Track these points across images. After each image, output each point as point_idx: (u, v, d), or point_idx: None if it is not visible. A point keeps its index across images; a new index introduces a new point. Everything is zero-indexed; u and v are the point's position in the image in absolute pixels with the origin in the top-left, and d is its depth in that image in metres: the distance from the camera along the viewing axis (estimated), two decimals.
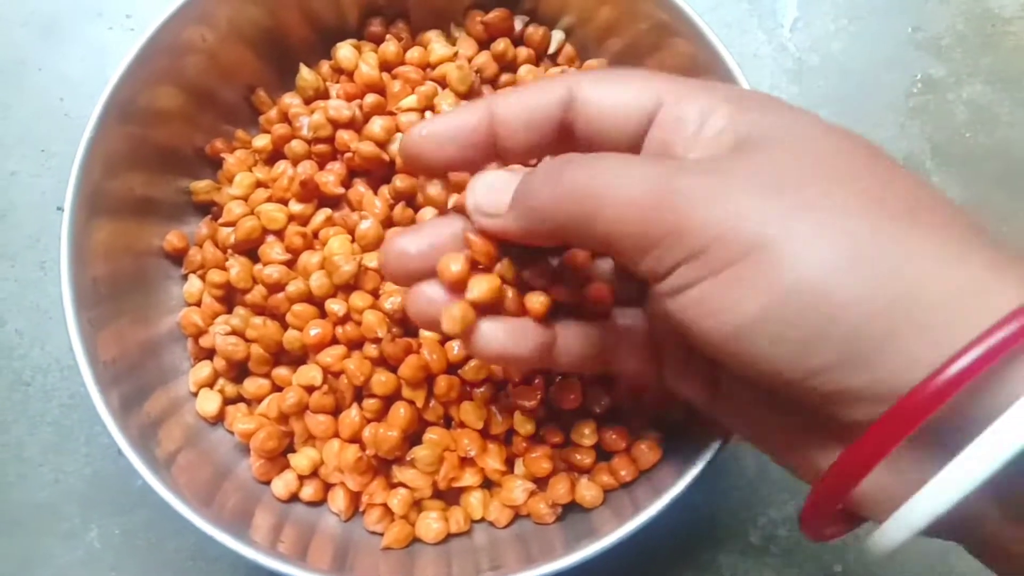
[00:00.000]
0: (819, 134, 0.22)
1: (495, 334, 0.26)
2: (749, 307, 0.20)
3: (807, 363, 0.20)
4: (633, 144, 0.25)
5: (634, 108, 0.25)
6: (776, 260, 0.20)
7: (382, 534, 0.37)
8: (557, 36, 0.43)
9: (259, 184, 0.41)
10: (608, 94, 0.25)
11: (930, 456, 0.20)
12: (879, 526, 0.21)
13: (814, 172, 0.21)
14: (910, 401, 0.19)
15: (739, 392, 0.27)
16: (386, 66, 0.41)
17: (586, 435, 0.36)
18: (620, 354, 0.30)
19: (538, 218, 0.24)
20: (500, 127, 0.26)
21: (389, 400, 0.37)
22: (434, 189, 0.29)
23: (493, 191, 0.26)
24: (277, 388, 0.38)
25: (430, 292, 0.27)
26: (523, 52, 0.43)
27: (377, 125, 0.39)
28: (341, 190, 0.40)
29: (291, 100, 0.41)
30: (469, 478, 0.37)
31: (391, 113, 0.40)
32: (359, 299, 0.37)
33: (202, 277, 0.40)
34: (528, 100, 0.26)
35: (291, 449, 0.38)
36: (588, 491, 0.36)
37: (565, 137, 0.26)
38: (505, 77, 0.42)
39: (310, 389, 0.37)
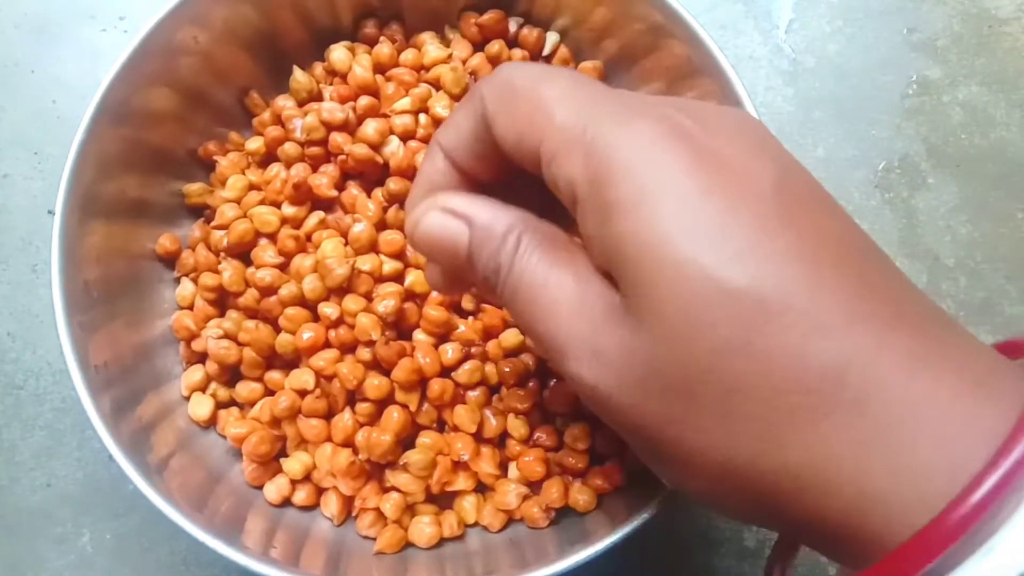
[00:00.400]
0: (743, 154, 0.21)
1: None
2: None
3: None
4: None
5: (522, 147, 0.23)
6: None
7: (375, 539, 0.37)
8: (552, 38, 0.43)
9: (252, 187, 0.40)
10: (540, 86, 0.23)
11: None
12: None
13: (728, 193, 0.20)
14: (934, 532, 0.17)
15: None
16: (380, 68, 0.41)
17: (579, 438, 0.36)
18: None
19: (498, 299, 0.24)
20: (456, 162, 0.26)
21: (382, 404, 0.37)
22: None
23: (440, 236, 0.24)
24: (270, 392, 0.38)
25: None
26: (517, 54, 0.42)
27: (371, 127, 0.39)
28: (334, 193, 0.39)
29: (284, 102, 0.41)
30: (462, 482, 0.37)
31: (385, 115, 0.40)
32: (352, 302, 0.37)
33: (195, 280, 0.40)
34: (455, 133, 0.25)
35: (284, 453, 0.38)
36: (581, 495, 0.36)
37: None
38: None
39: (303, 393, 0.37)
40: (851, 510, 0.18)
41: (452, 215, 0.24)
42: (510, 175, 0.25)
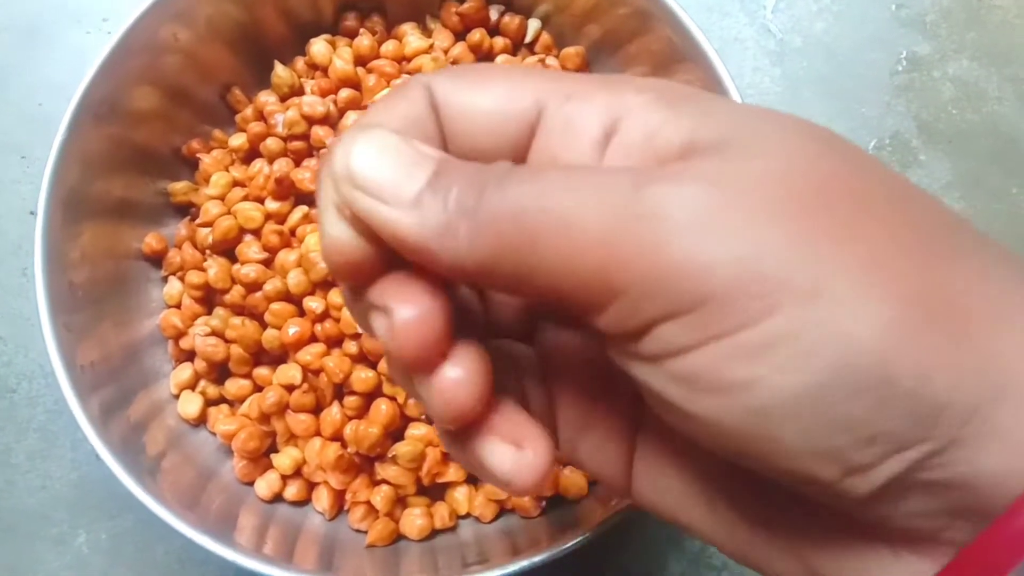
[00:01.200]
0: (809, 136, 0.17)
1: None
2: (779, 386, 0.14)
3: (860, 454, 0.15)
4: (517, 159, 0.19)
5: (505, 116, 0.18)
6: (820, 317, 0.14)
7: (367, 532, 0.37)
8: (533, 25, 0.43)
9: (236, 183, 0.40)
10: (471, 100, 0.18)
11: None
12: None
13: (831, 191, 0.15)
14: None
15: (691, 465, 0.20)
16: (361, 60, 0.41)
17: None
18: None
19: (463, 248, 0.16)
20: None
21: (370, 397, 0.37)
22: None
23: (392, 162, 0.16)
24: (258, 388, 0.38)
25: None
26: (499, 42, 0.42)
27: (352, 120, 0.39)
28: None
29: (267, 98, 0.41)
30: (453, 473, 0.37)
31: (366, 107, 0.40)
32: (337, 296, 0.37)
33: (182, 279, 0.40)
34: (389, 114, 0.18)
35: (274, 449, 0.38)
36: (572, 483, 0.36)
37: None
38: None
39: (290, 388, 0.37)
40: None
41: (410, 144, 0.17)
42: None
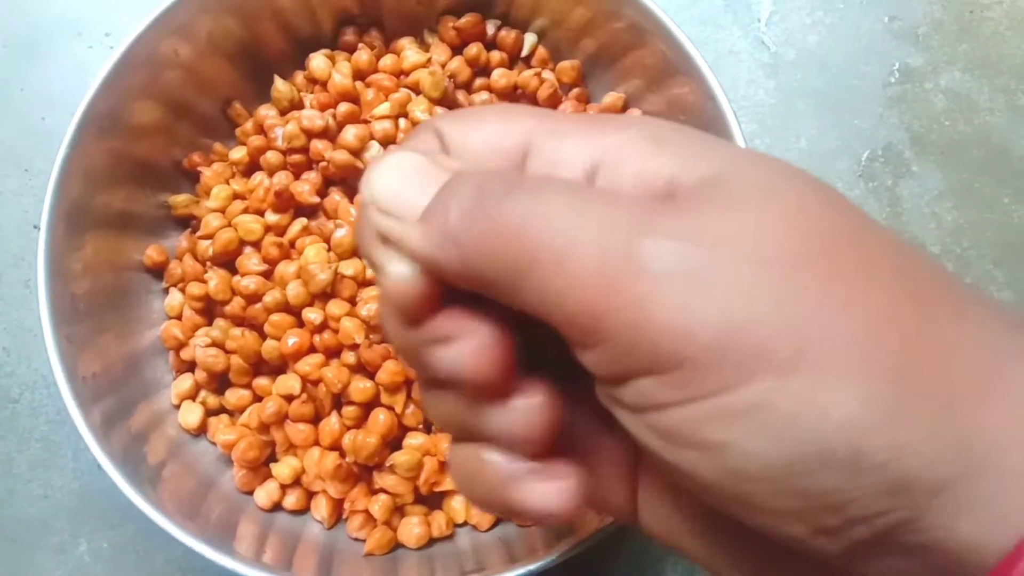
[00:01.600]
0: (805, 188, 0.16)
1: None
2: (754, 449, 0.15)
3: (829, 517, 0.15)
4: None
5: (497, 151, 0.19)
6: (797, 389, 0.14)
7: (365, 540, 0.37)
8: (530, 39, 0.43)
9: (236, 196, 0.41)
10: (469, 139, 0.19)
11: None
12: None
13: (825, 249, 0.15)
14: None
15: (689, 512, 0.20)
16: (360, 75, 0.42)
17: None
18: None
19: (457, 256, 0.16)
20: None
21: (368, 407, 0.37)
22: None
23: (407, 181, 0.17)
24: (258, 398, 0.39)
25: None
26: (496, 56, 0.43)
27: (351, 134, 0.39)
28: (316, 199, 0.40)
29: (267, 112, 0.42)
30: (450, 482, 0.37)
31: (365, 121, 0.40)
32: (336, 307, 0.37)
33: (182, 290, 0.40)
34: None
35: (273, 459, 0.39)
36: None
37: None
38: (479, 82, 0.43)
39: (289, 398, 0.37)
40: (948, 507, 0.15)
41: (433, 161, 0.18)
42: None
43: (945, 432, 0.15)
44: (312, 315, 0.37)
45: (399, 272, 0.17)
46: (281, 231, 0.40)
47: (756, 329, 0.14)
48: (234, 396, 0.39)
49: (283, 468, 0.38)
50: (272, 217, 0.40)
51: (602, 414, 0.19)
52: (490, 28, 0.43)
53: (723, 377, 0.14)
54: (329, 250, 0.39)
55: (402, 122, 0.40)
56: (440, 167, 0.18)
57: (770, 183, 0.16)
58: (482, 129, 0.19)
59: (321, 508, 0.37)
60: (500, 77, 0.42)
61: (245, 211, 0.40)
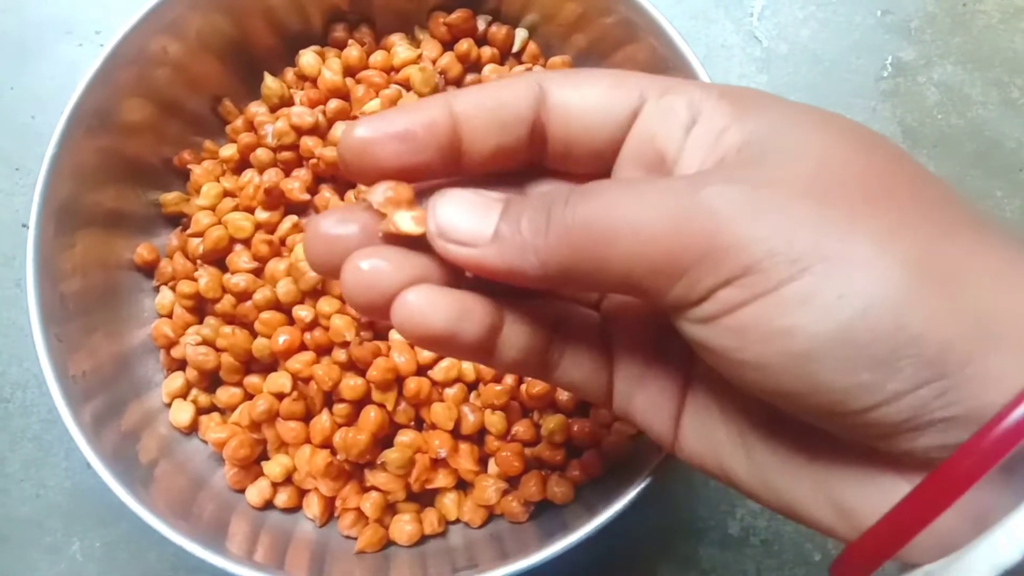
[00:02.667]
0: (840, 138, 0.20)
1: (434, 305, 0.21)
2: (816, 329, 0.17)
3: (882, 389, 0.17)
4: (613, 150, 0.23)
5: (614, 106, 0.22)
6: (842, 275, 0.17)
7: (357, 538, 0.37)
8: (521, 34, 0.43)
9: (226, 193, 0.41)
10: (583, 94, 0.23)
11: (996, 490, 0.18)
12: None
13: (853, 182, 0.19)
14: (997, 426, 0.17)
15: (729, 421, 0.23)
16: (350, 71, 0.42)
17: (556, 432, 0.36)
18: (565, 359, 0.24)
19: (539, 261, 0.20)
20: (464, 127, 0.22)
21: (359, 404, 0.37)
22: (377, 196, 0.21)
23: (468, 214, 0.21)
24: (249, 396, 0.39)
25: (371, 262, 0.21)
26: (487, 52, 0.43)
27: (340, 130, 0.39)
28: (307, 196, 0.40)
29: (257, 109, 0.42)
30: (442, 479, 0.37)
31: (355, 118, 0.40)
32: (326, 304, 0.37)
33: (173, 288, 0.40)
34: (496, 96, 0.22)
35: (264, 457, 0.39)
36: (559, 487, 0.36)
37: (536, 144, 0.23)
38: (470, 77, 0.43)
39: (280, 396, 0.37)
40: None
41: (478, 194, 0.21)
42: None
43: (966, 310, 0.17)
44: (303, 313, 0.37)
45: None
46: (271, 228, 0.40)
47: (805, 235, 0.18)
48: (225, 394, 0.39)
49: (274, 466, 0.37)
50: (262, 215, 0.40)
51: (652, 350, 0.24)
52: (481, 24, 0.43)
53: (784, 273, 0.18)
54: None
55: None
56: (489, 198, 0.21)
57: (816, 135, 0.20)
58: (598, 85, 0.23)
59: (313, 506, 0.37)
60: (491, 73, 0.42)
61: (235, 209, 0.40)
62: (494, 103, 0.22)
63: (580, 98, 0.23)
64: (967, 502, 0.18)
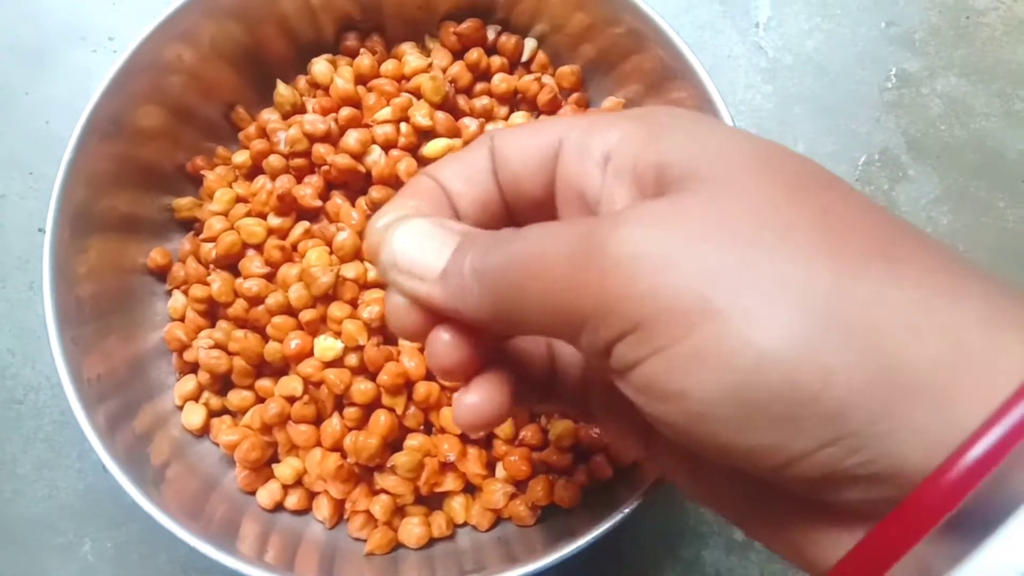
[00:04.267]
0: (755, 160, 0.19)
1: (488, 402, 0.22)
2: (707, 390, 0.17)
3: (787, 449, 0.17)
4: (550, 195, 0.23)
5: (536, 152, 0.23)
6: (732, 332, 0.16)
7: (366, 540, 0.37)
8: (530, 44, 0.44)
9: (239, 199, 0.41)
10: (514, 143, 0.23)
11: (945, 544, 0.17)
12: None
13: (760, 211, 0.18)
14: (937, 484, 0.16)
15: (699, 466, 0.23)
16: (361, 79, 0.42)
17: (564, 437, 0.37)
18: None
19: (474, 304, 0.20)
20: (449, 189, 0.24)
21: (369, 408, 0.37)
22: None
23: (424, 246, 0.21)
24: (261, 399, 0.39)
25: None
26: (496, 61, 0.43)
27: (352, 138, 0.40)
28: (319, 203, 0.40)
29: (269, 116, 0.42)
30: (451, 483, 0.38)
31: (366, 125, 0.41)
32: (338, 309, 0.38)
33: (185, 293, 0.41)
34: (462, 156, 0.24)
35: (275, 459, 0.39)
36: (566, 492, 0.36)
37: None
38: (479, 86, 0.43)
39: (291, 399, 0.37)
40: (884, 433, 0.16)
41: (440, 225, 0.22)
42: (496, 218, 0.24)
43: (871, 361, 0.16)
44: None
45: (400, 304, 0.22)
46: (283, 234, 0.40)
47: (695, 288, 0.17)
48: (237, 397, 0.39)
49: (285, 469, 0.38)
50: (274, 220, 0.40)
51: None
52: (491, 33, 0.43)
53: (675, 330, 0.17)
54: (331, 253, 0.39)
55: (403, 126, 0.41)
56: (449, 229, 0.21)
57: (717, 156, 0.19)
58: (523, 134, 0.23)
59: (323, 508, 0.38)
60: (500, 82, 0.43)
61: (248, 214, 0.40)
62: (460, 163, 0.24)
63: (513, 147, 0.23)
64: (908, 560, 0.17)
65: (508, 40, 0.43)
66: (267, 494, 0.38)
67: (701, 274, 0.17)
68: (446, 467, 0.38)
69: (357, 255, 0.39)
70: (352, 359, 0.37)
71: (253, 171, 0.42)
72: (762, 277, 0.17)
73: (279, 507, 0.39)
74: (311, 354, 0.38)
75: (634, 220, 0.18)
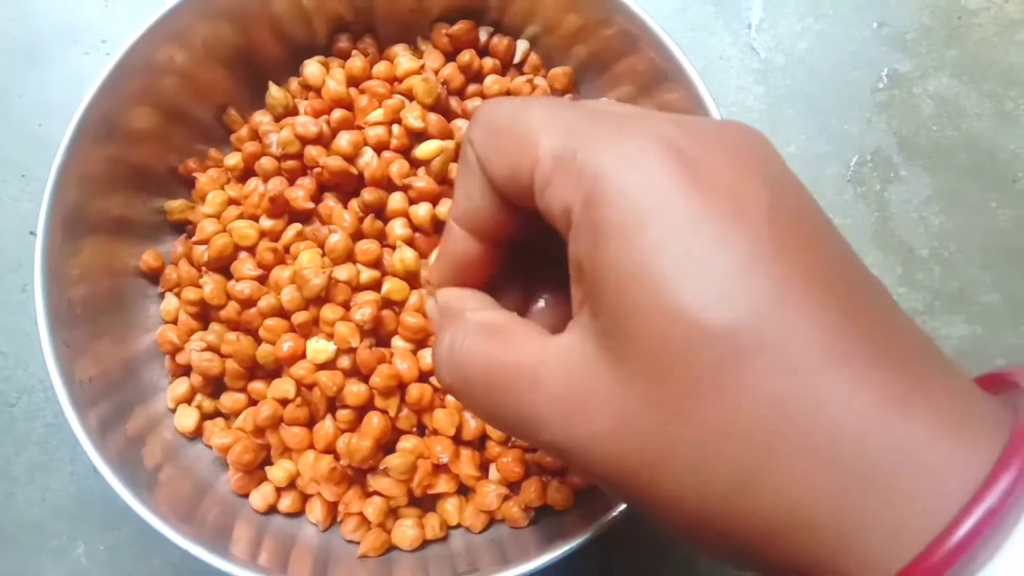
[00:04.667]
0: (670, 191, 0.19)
1: None
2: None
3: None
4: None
5: (516, 184, 0.23)
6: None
7: (360, 542, 0.37)
8: (522, 46, 0.44)
9: (231, 201, 0.41)
10: (497, 154, 0.23)
11: None
12: None
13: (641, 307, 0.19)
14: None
15: None
16: (353, 81, 0.42)
17: None
18: None
19: (446, 379, 0.23)
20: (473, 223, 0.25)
21: (362, 410, 0.37)
22: None
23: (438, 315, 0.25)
24: (253, 402, 0.39)
25: None
26: (489, 62, 0.43)
27: (344, 140, 0.40)
28: (311, 205, 0.40)
29: (261, 118, 0.42)
30: (444, 484, 0.38)
31: (359, 127, 0.41)
32: (330, 311, 0.38)
33: (178, 295, 0.41)
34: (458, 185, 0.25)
35: (268, 462, 0.39)
36: (559, 493, 0.36)
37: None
38: (472, 88, 0.43)
39: (284, 402, 0.37)
40: (826, 556, 0.18)
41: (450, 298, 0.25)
42: (528, 225, 0.24)
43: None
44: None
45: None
46: (276, 236, 0.40)
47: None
48: (229, 400, 0.39)
49: (278, 471, 0.38)
50: (267, 222, 0.40)
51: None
52: (483, 35, 0.43)
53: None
54: (323, 255, 0.39)
55: (395, 128, 0.41)
56: (472, 306, 0.24)
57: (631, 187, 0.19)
58: (537, 111, 0.22)
59: (316, 511, 0.38)
60: (493, 84, 0.43)
61: (240, 216, 0.40)
62: (464, 203, 0.24)
63: (495, 167, 0.23)
64: None
65: (500, 42, 0.43)
66: (260, 497, 0.38)
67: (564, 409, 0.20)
68: (439, 469, 0.38)
69: (349, 257, 0.39)
70: (345, 361, 0.37)
71: (245, 173, 0.42)
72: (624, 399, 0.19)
73: (272, 510, 0.39)
74: (303, 356, 0.38)
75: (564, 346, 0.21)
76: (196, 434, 0.40)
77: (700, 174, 0.19)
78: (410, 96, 0.42)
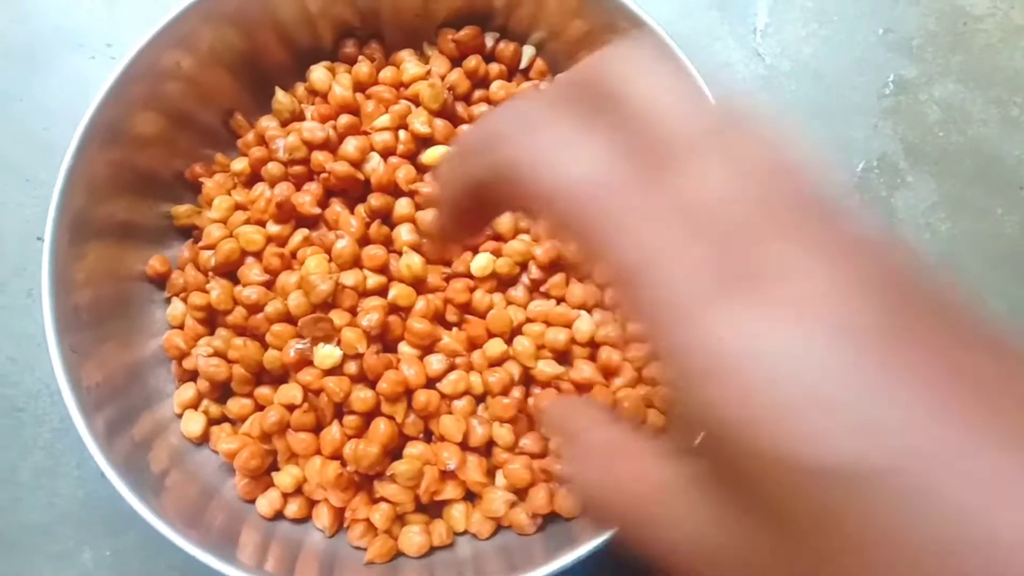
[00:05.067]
0: None
1: None
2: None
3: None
4: None
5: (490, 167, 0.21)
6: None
7: (366, 549, 0.37)
8: (528, 51, 0.44)
9: (238, 207, 0.41)
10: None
11: None
12: None
13: None
14: None
15: None
16: (360, 86, 0.42)
17: None
18: None
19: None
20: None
21: (369, 416, 0.37)
22: None
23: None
24: (260, 407, 0.39)
25: None
26: (495, 68, 0.43)
27: (351, 145, 0.40)
28: (317, 210, 0.40)
29: (268, 123, 0.42)
30: (451, 491, 0.38)
31: (365, 133, 0.41)
32: (337, 317, 0.38)
33: (184, 300, 0.41)
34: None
35: (275, 467, 0.39)
36: (567, 500, 0.36)
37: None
38: (478, 93, 0.43)
39: (291, 407, 0.37)
40: None
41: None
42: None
43: None
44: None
45: None
46: (282, 242, 0.40)
47: None
48: (236, 405, 0.39)
49: (285, 477, 0.38)
50: (273, 228, 0.40)
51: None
52: (489, 40, 0.43)
53: None
54: (330, 260, 0.39)
55: (402, 133, 0.41)
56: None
57: None
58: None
59: (322, 517, 0.38)
60: (499, 89, 0.43)
61: (247, 222, 0.40)
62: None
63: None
64: None
65: (506, 47, 0.43)
66: (267, 502, 0.38)
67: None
68: (446, 475, 0.38)
69: (356, 263, 0.39)
70: (351, 367, 0.37)
71: (252, 178, 0.42)
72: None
73: (279, 515, 0.39)
74: (310, 362, 0.38)
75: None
76: (203, 439, 0.40)
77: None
78: (416, 102, 0.42)
